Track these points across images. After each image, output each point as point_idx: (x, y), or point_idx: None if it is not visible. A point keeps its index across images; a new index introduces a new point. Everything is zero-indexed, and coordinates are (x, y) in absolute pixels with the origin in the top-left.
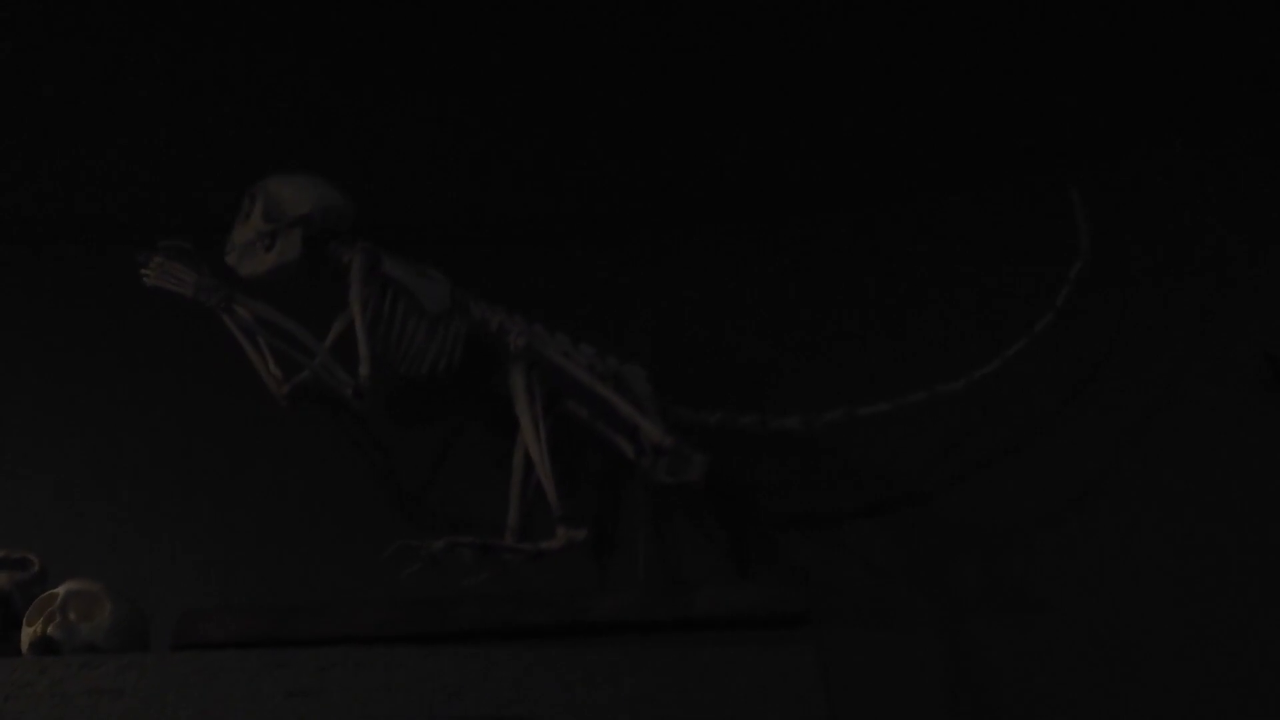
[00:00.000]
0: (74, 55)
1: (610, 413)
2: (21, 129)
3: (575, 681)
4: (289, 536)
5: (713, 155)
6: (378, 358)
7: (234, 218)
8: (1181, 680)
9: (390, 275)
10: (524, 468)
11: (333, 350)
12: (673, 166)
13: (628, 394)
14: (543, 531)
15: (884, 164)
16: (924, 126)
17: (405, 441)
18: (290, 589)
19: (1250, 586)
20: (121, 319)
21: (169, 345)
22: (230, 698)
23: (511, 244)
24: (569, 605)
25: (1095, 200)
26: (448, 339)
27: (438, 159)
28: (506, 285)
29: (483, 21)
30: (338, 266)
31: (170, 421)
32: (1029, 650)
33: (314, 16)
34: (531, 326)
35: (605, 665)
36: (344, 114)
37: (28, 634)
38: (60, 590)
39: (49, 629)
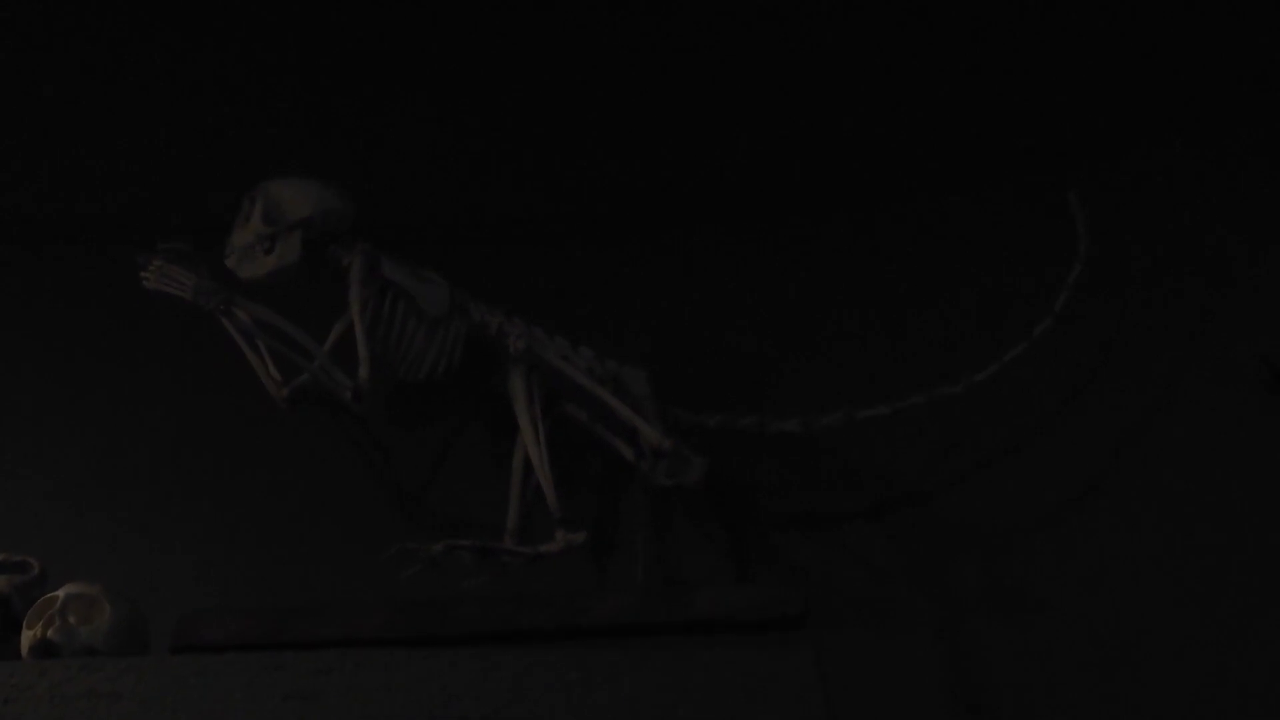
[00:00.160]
0: (74, 55)
1: (609, 415)
2: (21, 129)
3: (574, 683)
4: (287, 538)
5: (712, 155)
6: (377, 360)
7: (233, 218)
8: (1181, 681)
9: (390, 278)
10: (523, 470)
11: (332, 353)
12: (672, 167)
13: (627, 397)
14: (542, 534)
15: (884, 164)
16: (924, 126)
17: (404, 444)
18: (289, 591)
19: (1249, 588)
20: (121, 320)
21: (168, 347)
22: (229, 700)
23: (510, 244)
24: (568, 607)
25: (1095, 200)
26: (447, 341)
27: (435, 159)
28: (505, 286)
29: (482, 21)
30: (337, 269)
31: (169, 423)
32: (1028, 651)
33: (314, 16)
34: (531, 329)
35: (604, 667)
36: (344, 114)
37: (28, 637)
38: (60, 593)
39: (49, 632)
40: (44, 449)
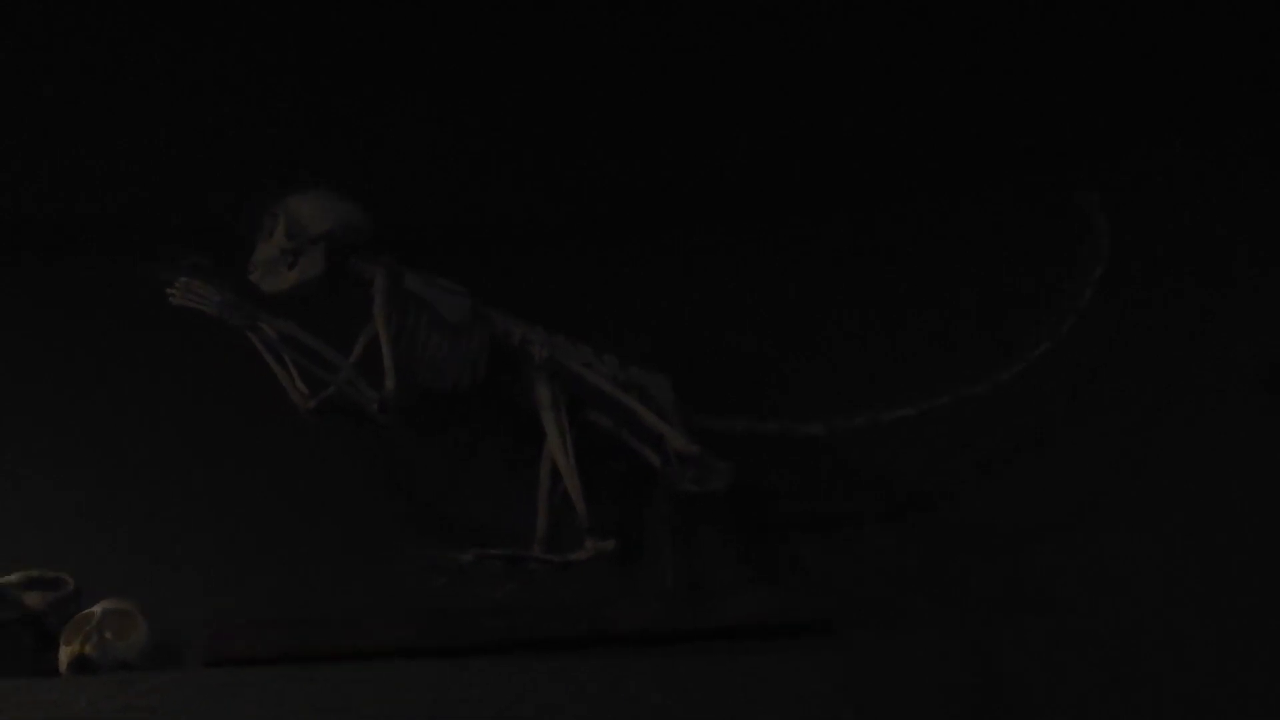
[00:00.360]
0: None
1: (634, 422)
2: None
3: (604, 691)
4: (314, 550)
5: (731, 159)
6: (402, 371)
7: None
8: (1200, 683)
9: (412, 290)
10: (550, 478)
11: (357, 365)
12: (691, 171)
13: (651, 403)
14: (569, 542)
15: (903, 163)
16: (940, 126)
17: (430, 454)
18: (316, 603)
19: (1269, 589)
20: (144, 335)
21: (193, 361)
22: (263, 714)
23: (517, 249)
24: (596, 615)
25: (1107, 201)
26: (470, 352)
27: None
28: (514, 293)
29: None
30: (359, 282)
31: (192, 437)
32: (1052, 655)
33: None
34: (554, 338)
35: (633, 675)
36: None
37: (66, 653)
38: (96, 610)
39: (86, 648)
40: (67, 466)
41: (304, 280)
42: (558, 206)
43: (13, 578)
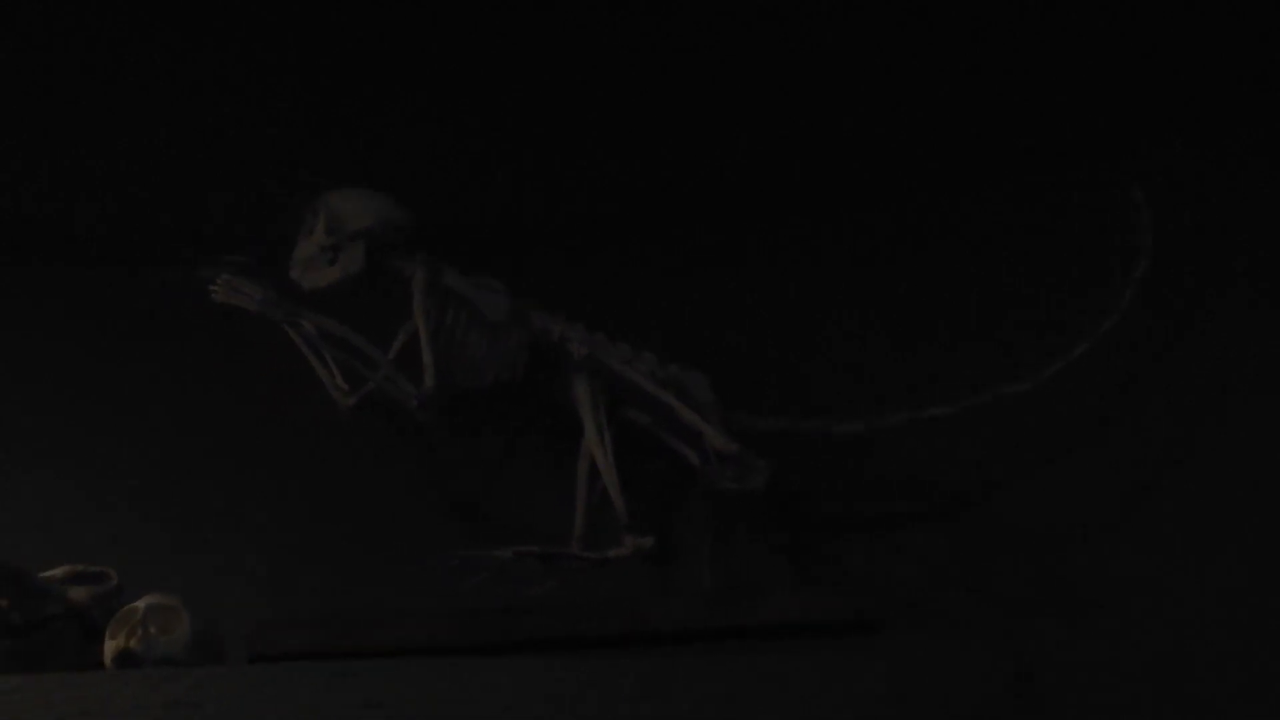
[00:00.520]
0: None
1: (673, 420)
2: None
3: (643, 689)
4: (354, 547)
5: (772, 155)
6: (442, 368)
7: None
8: (1248, 686)
9: (451, 287)
10: (589, 476)
11: (396, 361)
12: (732, 167)
13: (690, 401)
14: (607, 540)
15: (943, 159)
16: (982, 121)
17: (468, 452)
18: (357, 600)
19: None
20: (186, 333)
21: (235, 359)
22: (306, 709)
23: (564, 250)
24: (635, 613)
25: (1150, 197)
26: (509, 349)
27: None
28: (559, 291)
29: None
30: (399, 278)
31: (235, 435)
32: (1094, 656)
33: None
34: (593, 335)
35: (673, 673)
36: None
37: (111, 647)
38: (140, 604)
39: (130, 642)
40: (111, 461)
41: (344, 277)
42: (597, 204)
43: (57, 573)
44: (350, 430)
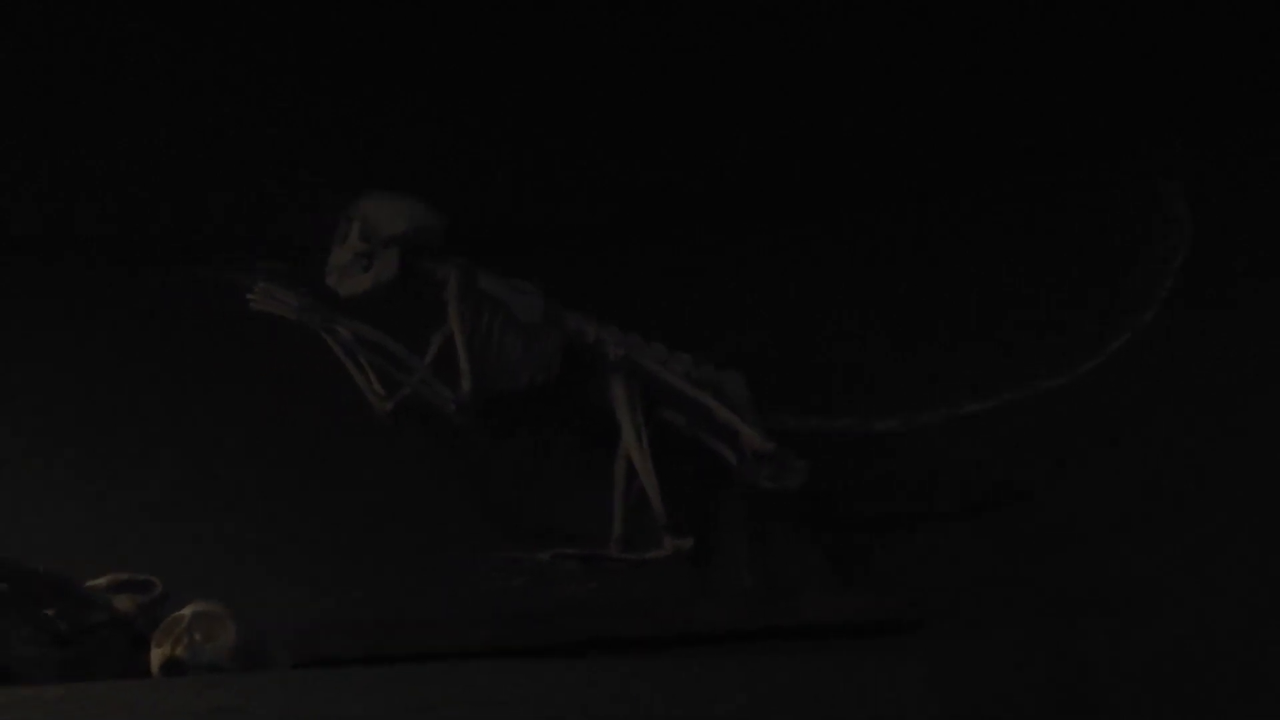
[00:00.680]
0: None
1: (709, 420)
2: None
3: (684, 692)
4: (394, 552)
5: (802, 152)
6: (477, 372)
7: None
8: None
9: (486, 290)
10: (626, 477)
11: (432, 366)
12: (761, 166)
13: (726, 401)
14: (646, 541)
15: (975, 152)
16: (1015, 114)
17: (505, 455)
18: (398, 604)
19: None
20: (225, 340)
21: (274, 366)
22: (350, 714)
23: (598, 251)
24: (673, 615)
25: (1188, 188)
26: (544, 351)
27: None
28: (594, 293)
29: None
30: (433, 283)
31: (275, 441)
32: (1138, 656)
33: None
34: (628, 336)
35: (713, 675)
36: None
37: (157, 655)
38: (186, 612)
39: (177, 650)
40: (156, 469)
41: (379, 283)
42: (630, 204)
43: (101, 581)
44: (388, 435)
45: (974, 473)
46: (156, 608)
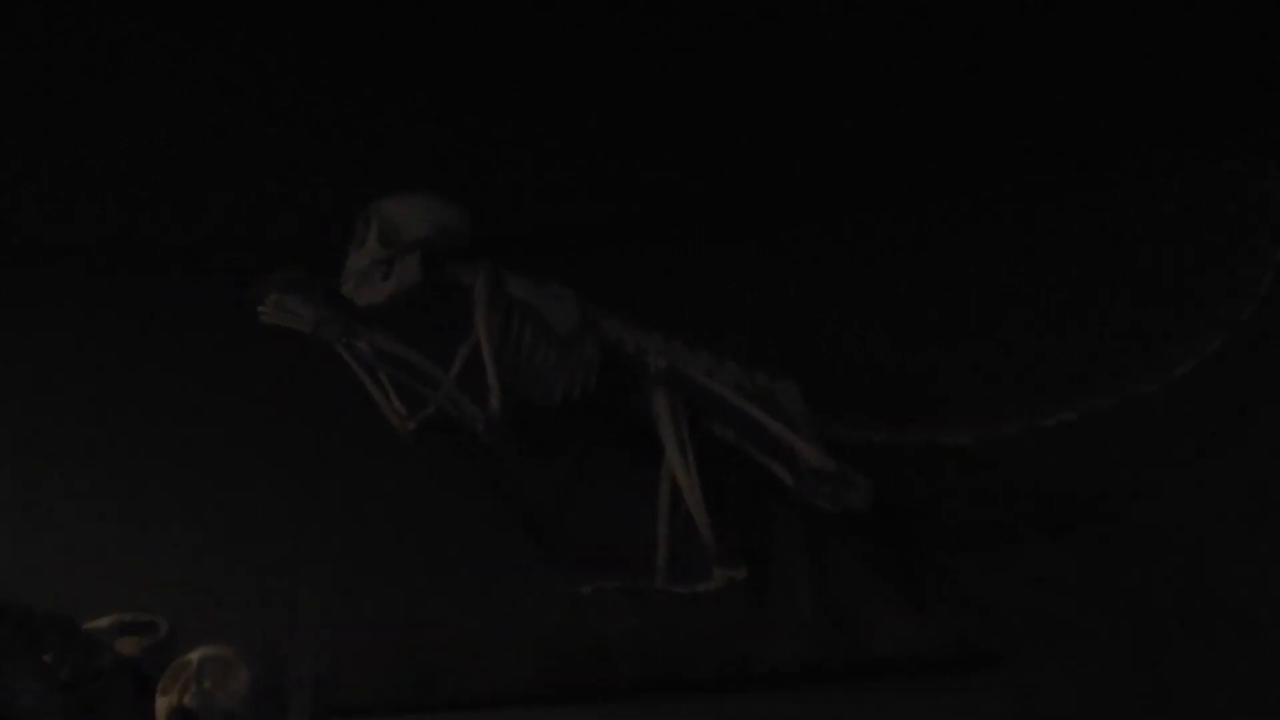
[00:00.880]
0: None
1: (762, 435)
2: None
3: None
4: (420, 585)
5: (872, 149)
6: (508, 386)
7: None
8: None
9: (516, 296)
10: (671, 499)
11: (458, 379)
12: (823, 162)
13: (781, 414)
14: (695, 570)
15: (1058, 149)
16: (1097, 110)
17: (539, 476)
18: (424, 642)
19: None
20: (229, 355)
21: (285, 389)
22: None
23: (638, 253)
24: (729, 652)
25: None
26: (580, 362)
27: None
28: (634, 297)
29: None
30: (458, 289)
31: (287, 466)
32: (1243, 686)
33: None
34: (671, 344)
35: (773, 718)
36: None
37: (163, 704)
38: (194, 657)
39: (185, 698)
40: (158, 500)
41: (400, 290)
42: (674, 202)
43: (103, 622)
44: (410, 457)
45: (1056, 487)
46: (163, 651)
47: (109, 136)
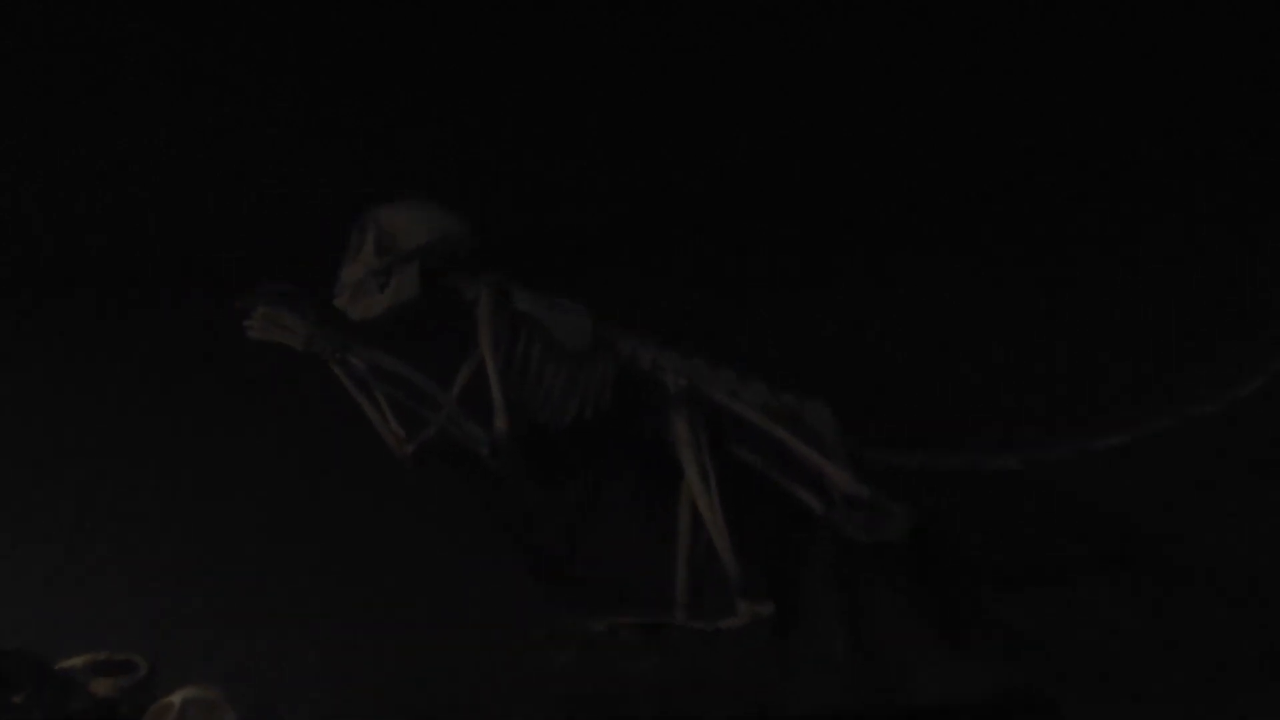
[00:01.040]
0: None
1: (789, 459)
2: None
3: None
4: (421, 620)
5: (913, 159)
6: (514, 407)
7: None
8: None
9: (523, 311)
10: (691, 529)
11: (461, 400)
12: (862, 170)
13: (809, 436)
14: (718, 606)
15: (1109, 159)
16: (1155, 121)
17: (548, 503)
18: (424, 682)
19: None
20: (214, 373)
21: (272, 402)
22: None
23: (654, 264)
24: (755, 696)
25: None
26: (593, 381)
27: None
28: (650, 312)
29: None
30: (460, 303)
31: (270, 491)
32: None
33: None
34: (690, 361)
35: None
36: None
37: None
38: (175, 699)
39: None
40: (138, 531)
41: (398, 303)
42: (693, 210)
43: (77, 661)
44: (410, 483)
45: (1111, 516)
46: (141, 692)
47: (88, 140)
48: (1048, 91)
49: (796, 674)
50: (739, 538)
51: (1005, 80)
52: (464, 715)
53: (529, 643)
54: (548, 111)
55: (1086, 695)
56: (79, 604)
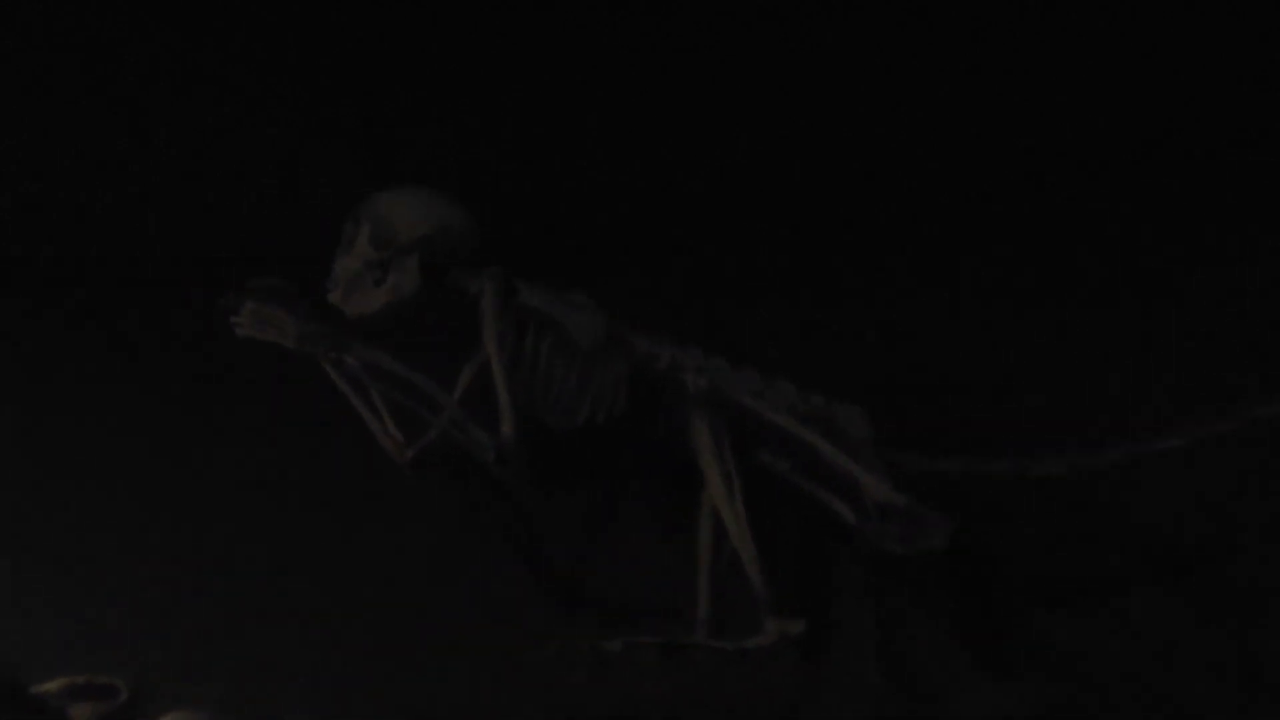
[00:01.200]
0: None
1: (820, 466)
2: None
3: None
4: (424, 639)
5: (948, 155)
6: (521, 410)
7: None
8: None
9: (531, 307)
10: (713, 540)
11: (464, 403)
12: (895, 169)
13: (842, 441)
14: (743, 623)
15: (1161, 150)
16: (1203, 116)
17: (559, 512)
18: (425, 704)
19: None
20: (204, 374)
21: (265, 405)
22: None
23: (672, 257)
24: (786, 719)
25: None
26: (606, 382)
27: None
28: (668, 308)
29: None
30: (463, 298)
31: (261, 500)
32: None
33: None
34: (711, 361)
35: None
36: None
37: None
38: None
39: None
40: (116, 550)
41: (396, 299)
42: (714, 201)
43: (53, 685)
44: (410, 491)
45: (1164, 527)
46: (122, 717)
47: (88, 140)
48: (1107, 91)
49: (827, 697)
50: (765, 550)
51: (1057, 81)
52: None
53: (537, 664)
54: (554, 102)
55: (1132, 718)
56: (55, 623)
